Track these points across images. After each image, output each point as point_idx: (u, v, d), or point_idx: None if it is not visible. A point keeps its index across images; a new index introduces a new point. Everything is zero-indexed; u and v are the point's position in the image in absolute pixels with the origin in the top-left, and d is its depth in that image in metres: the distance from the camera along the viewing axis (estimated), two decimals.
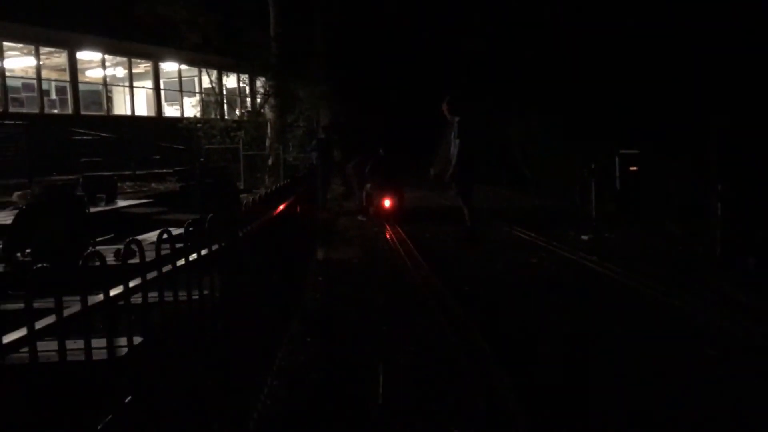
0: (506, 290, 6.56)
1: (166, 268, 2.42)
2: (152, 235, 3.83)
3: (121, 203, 8.49)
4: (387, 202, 12.75)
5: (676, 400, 3.76)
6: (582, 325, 5.27)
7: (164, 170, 14.60)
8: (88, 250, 4.49)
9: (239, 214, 3.62)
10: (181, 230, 2.73)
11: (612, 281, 6.75)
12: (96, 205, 7.88)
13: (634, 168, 13.22)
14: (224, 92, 21.42)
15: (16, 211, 5.15)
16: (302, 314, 5.68)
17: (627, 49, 15.86)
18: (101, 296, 1.95)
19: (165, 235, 2.35)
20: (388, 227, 11.18)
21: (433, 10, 24.48)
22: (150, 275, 2.31)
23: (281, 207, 4.78)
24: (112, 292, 2.02)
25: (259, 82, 19.07)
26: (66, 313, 1.73)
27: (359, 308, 6.00)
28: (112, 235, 7.84)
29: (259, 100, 18.90)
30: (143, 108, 19.65)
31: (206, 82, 19.59)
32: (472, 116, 10.76)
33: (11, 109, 15.42)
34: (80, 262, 1.86)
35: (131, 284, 2.15)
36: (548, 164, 20.33)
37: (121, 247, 2.78)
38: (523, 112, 20.15)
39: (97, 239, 7.23)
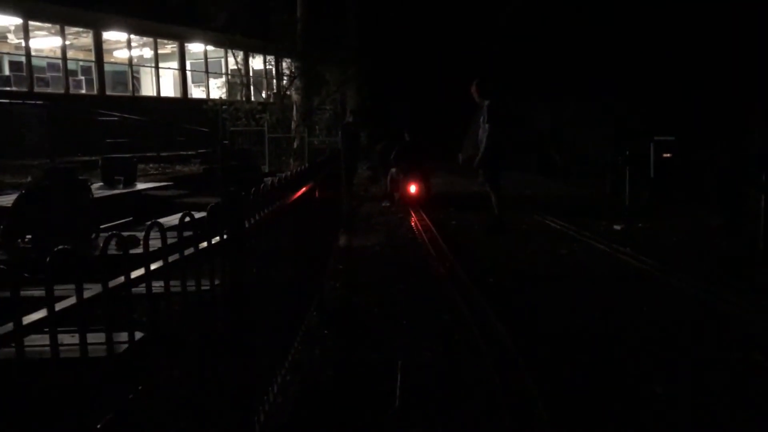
0: (534, 283, 6.24)
1: (158, 264, 2.18)
2: (172, 219, 3.59)
3: (141, 186, 8.32)
4: (413, 188, 12.47)
5: (721, 415, 3.45)
6: (617, 326, 4.94)
7: (189, 152, 14.48)
8: (93, 236, 4.32)
9: (247, 202, 3.37)
10: (202, 214, 2.60)
11: (647, 276, 6.40)
12: (114, 188, 7.72)
13: (668, 155, 12.74)
14: (251, 74, 21.22)
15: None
16: (320, 305, 5.44)
17: (663, 33, 15.27)
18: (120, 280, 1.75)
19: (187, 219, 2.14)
20: (413, 213, 10.90)
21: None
22: (155, 266, 2.10)
23: (296, 194, 4.53)
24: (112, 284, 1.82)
25: (286, 64, 18.81)
26: (64, 304, 1.55)
27: (379, 299, 5.75)
28: (131, 218, 7.69)
29: (285, 82, 18.64)
30: (169, 89, 19.54)
31: (232, 64, 19.39)
32: (502, 100, 10.40)
33: (36, 89, 15.38)
34: (85, 248, 1.67)
35: (133, 275, 1.95)
36: (579, 151, 19.82)
37: (133, 233, 2.58)
38: (554, 98, 19.62)
39: (114, 222, 7.08)
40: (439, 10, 23.71)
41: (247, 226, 3.10)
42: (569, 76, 18.68)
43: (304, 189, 4.96)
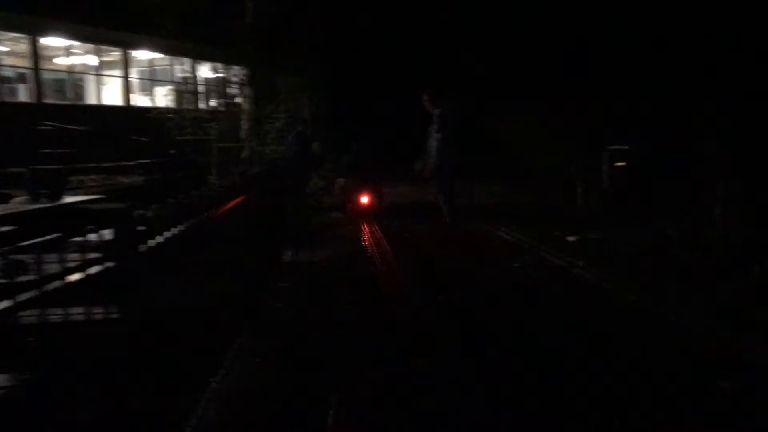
0: (485, 300, 5.93)
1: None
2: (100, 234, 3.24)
3: (69, 199, 7.75)
4: (364, 199, 12.14)
5: None
6: (569, 346, 4.66)
7: (131, 163, 13.84)
8: None
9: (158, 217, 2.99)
10: None
11: (601, 291, 6.15)
12: (38, 202, 7.14)
13: (622, 164, 12.66)
14: (198, 82, 20.61)
15: None
16: (256, 329, 5.02)
17: (618, 41, 15.27)
18: None
19: None
20: (365, 225, 10.54)
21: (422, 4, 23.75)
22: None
23: (225, 207, 4.13)
24: None
25: (235, 71, 18.27)
26: None
27: (323, 321, 5.36)
28: (59, 234, 7.13)
29: (233, 90, 18.10)
30: (113, 98, 18.78)
31: (180, 72, 18.74)
32: (454, 109, 10.15)
33: None
34: None
35: None
36: (537, 160, 19.77)
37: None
38: (512, 107, 19.53)
39: (36, 240, 6.52)
40: (396, 17, 23.48)
41: (151, 245, 2.71)
42: (525, 86, 18.61)
43: (233, 203, 4.57)
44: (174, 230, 3.37)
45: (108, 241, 2.66)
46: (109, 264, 2.42)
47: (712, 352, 4.42)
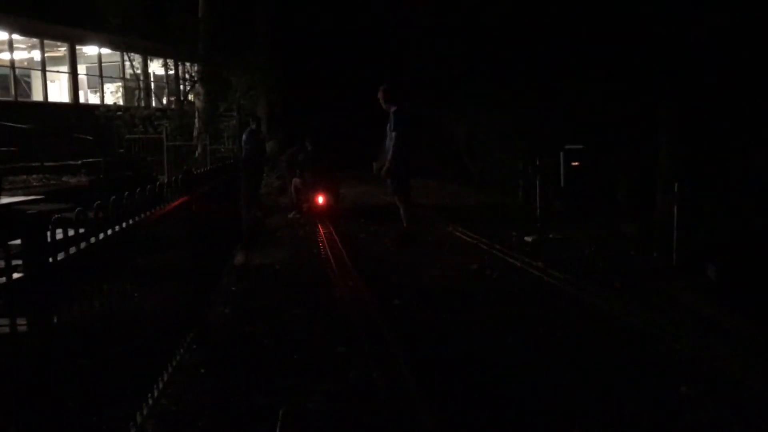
0: (442, 304, 5.75)
1: None
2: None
3: (5, 200, 7.36)
4: (320, 199, 11.88)
5: None
6: (530, 350, 4.51)
7: (79, 162, 13.32)
8: None
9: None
10: None
11: (559, 292, 6.02)
12: None
13: (576, 163, 12.67)
14: (151, 79, 20.04)
15: None
16: (200, 336, 4.75)
17: (569, 40, 15.29)
18: None
19: None
20: (320, 226, 10.29)
21: (380, 7, 23.54)
22: None
23: (166, 209, 3.85)
24: None
25: (187, 68, 17.79)
26: None
27: (272, 328, 5.11)
28: None
29: (185, 88, 17.64)
30: (59, 94, 18.13)
31: (129, 68, 18.17)
32: (409, 107, 9.96)
33: None
34: None
35: None
36: (493, 159, 19.75)
37: None
38: (469, 107, 19.46)
39: None
40: (351, 16, 23.23)
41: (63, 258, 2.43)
42: (483, 85, 18.54)
43: (177, 202, 4.29)
44: (108, 232, 3.11)
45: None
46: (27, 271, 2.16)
47: (672, 355, 4.31)
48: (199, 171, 5.56)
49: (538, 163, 9.27)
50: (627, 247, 8.16)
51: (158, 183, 3.87)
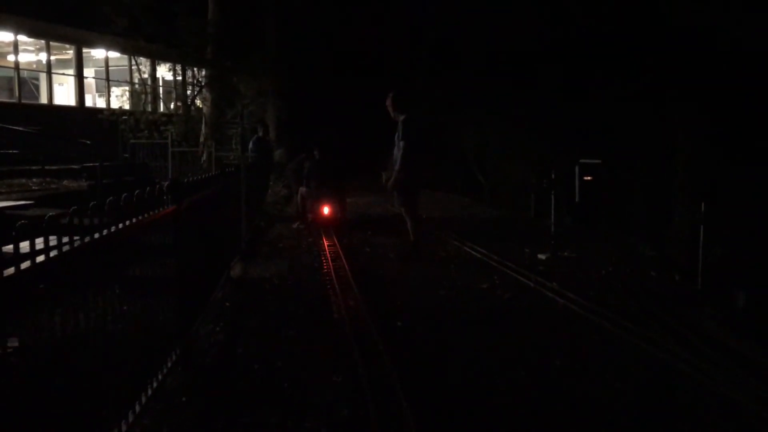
0: (448, 328, 5.33)
1: None
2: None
3: None
4: (326, 210, 11.50)
5: None
6: (543, 386, 4.09)
7: (78, 166, 13.01)
8: None
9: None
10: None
11: (576, 317, 5.59)
12: None
13: (589, 178, 12.26)
14: (159, 83, 19.76)
15: None
16: (185, 357, 4.36)
17: (588, 50, 14.91)
18: None
19: None
20: (324, 238, 9.90)
21: (393, 6, 23.21)
22: None
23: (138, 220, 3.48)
24: None
25: (194, 73, 17.51)
26: None
27: (264, 350, 4.72)
28: None
29: (192, 93, 17.33)
30: (65, 97, 17.88)
31: (137, 72, 17.89)
32: (419, 116, 9.59)
33: None
34: None
35: None
36: (503, 171, 19.36)
37: None
38: (480, 118, 19.08)
39: None
40: (362, 23, 22.92)
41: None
42: (495, 96, 18.15)
43: (168, 210, 3.92)
44: (92, 238, 2.84)
45: None
46: None
47: (704, 395, 3.89)
48: (190, 179, 5.19)
49: (553, 176, 8.85)
50: (646, 268, 7.72)
51: (136, 193, 3.50)
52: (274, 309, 5.93)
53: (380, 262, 8.26)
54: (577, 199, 12.02)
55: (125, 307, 3.37)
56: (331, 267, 7.60)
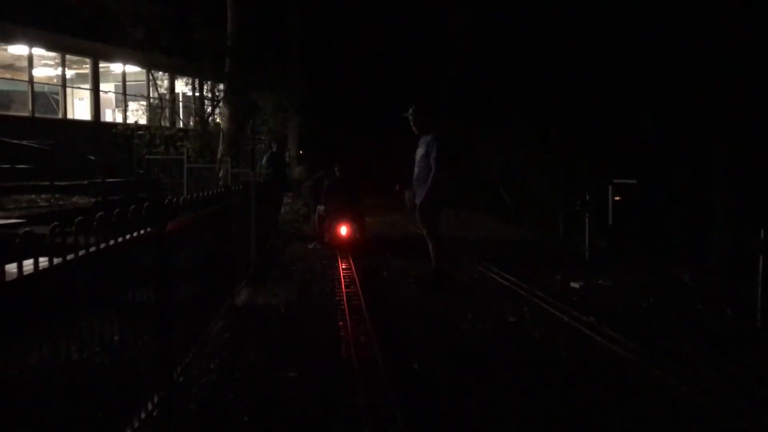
0: (472, 371, 4.65)
1: None
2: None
3: None
4: (343, 230, 10.91)
5: None
6: None
7: (86, 182, 12.59)
8: None
9: None
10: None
11: (619, 360, 4.88)
12: None
13: (618, 198, 11.52)
14: (180, 99, 19.42)
15: None
16: (167, 403, 3.76)
17: (620, 61, 14.19)
18: None
19: None
20: (340, 260, 9.32)
21: (416, 25, 22.70)
22: None
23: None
24: None
25: (211, 87, 17.10)
26: None
27: (258, 399, 4.10)
28: None
29: (209, 108, 16.89)
30: (79, 112, 17.56)
31: (153, 86, 17.52)
32: (443, 133, 8.97)
33: None
34: None
35: None
36: (530, 191, 18.64)
37: None
38: (506, 137, 18.38)
39: None
40: (386, 35, 22.45)
41: None
42: (523, 112, 17.47)
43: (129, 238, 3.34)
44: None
45: None
46: None
47: None
48: (182, 198, 4.62)
49: (587, 198, 8.17)
50: (690, 300, 6.99)
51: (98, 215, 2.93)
52: (277, 344, 5.31)
53: (398, 289, 7.61)
54: (610, 222, 11.29)
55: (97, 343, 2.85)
56: (345, 294, 6.98)
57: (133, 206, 3.47)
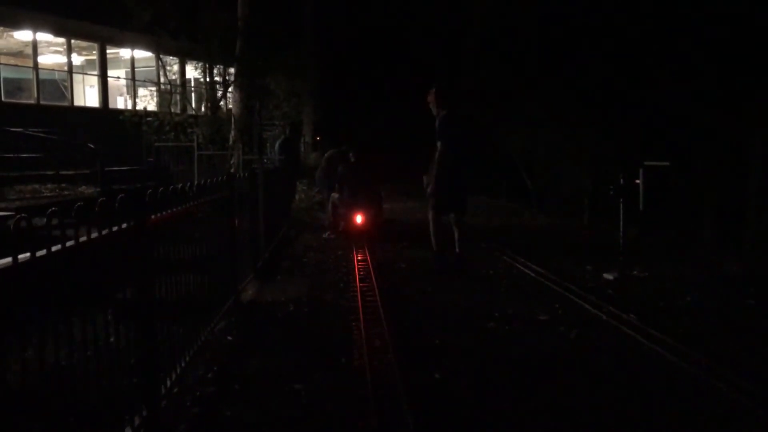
0: (501, 382, 4.06)
1: None
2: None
3: None
4: (359, 218, 10.38)
5: None
6: None
7: (93, 170, 12.13)
8: None
9: None
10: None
11: (669, 366, 4.27)
12: None
13: (637, 181, 10.87)
14: (192, 85, 18.90)
15: None
16: (152, 416, 3.26)
17: (649, 36, 13.40)
18: None
19: None
20: (356, 250, 8.80)
21: (435, 5, 21.96)
22: None
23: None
24: None
25: (224, 72, 16.55)
26: None
27: (259, 415, 3.58)
28: None
29: (220, 92, 16.35)
30: (87, 99, 17.11)
31: (162, 71, 17.00)
32: (462, 113, 8.39)
33: None
34: None
35: None
36: (554, 175, 17.92)
37: None
38: (528, 119, 17.64)
39: None
40: (404, 17, 21.76)
41: None
42: (545, 97, 16.72)
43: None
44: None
45: None
46: None
47: None
48: (177, 187, 4.10)
49: (622, 182, 7.55)
50: (739, 294, 6.35)
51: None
52: (283, 348, 4.78)
53: (417, 282, 7.05)
54: (641, 207, 10.63)
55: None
56: (359, 289, 6.43)
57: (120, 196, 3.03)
